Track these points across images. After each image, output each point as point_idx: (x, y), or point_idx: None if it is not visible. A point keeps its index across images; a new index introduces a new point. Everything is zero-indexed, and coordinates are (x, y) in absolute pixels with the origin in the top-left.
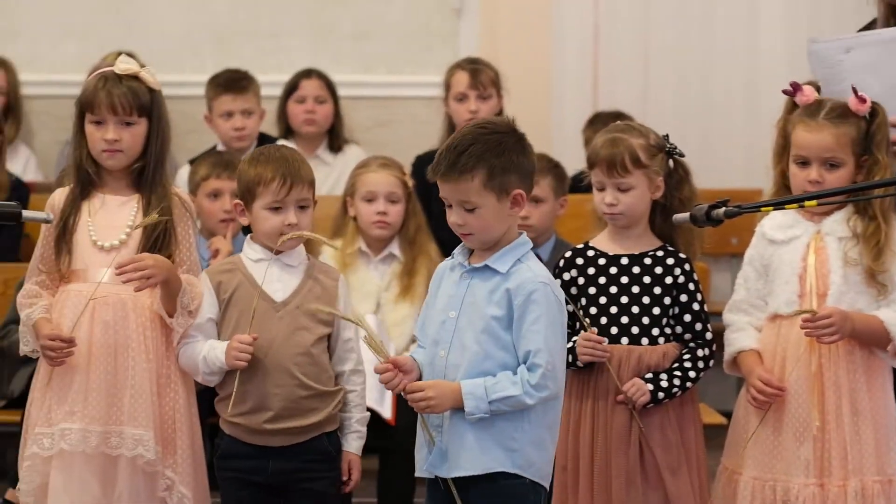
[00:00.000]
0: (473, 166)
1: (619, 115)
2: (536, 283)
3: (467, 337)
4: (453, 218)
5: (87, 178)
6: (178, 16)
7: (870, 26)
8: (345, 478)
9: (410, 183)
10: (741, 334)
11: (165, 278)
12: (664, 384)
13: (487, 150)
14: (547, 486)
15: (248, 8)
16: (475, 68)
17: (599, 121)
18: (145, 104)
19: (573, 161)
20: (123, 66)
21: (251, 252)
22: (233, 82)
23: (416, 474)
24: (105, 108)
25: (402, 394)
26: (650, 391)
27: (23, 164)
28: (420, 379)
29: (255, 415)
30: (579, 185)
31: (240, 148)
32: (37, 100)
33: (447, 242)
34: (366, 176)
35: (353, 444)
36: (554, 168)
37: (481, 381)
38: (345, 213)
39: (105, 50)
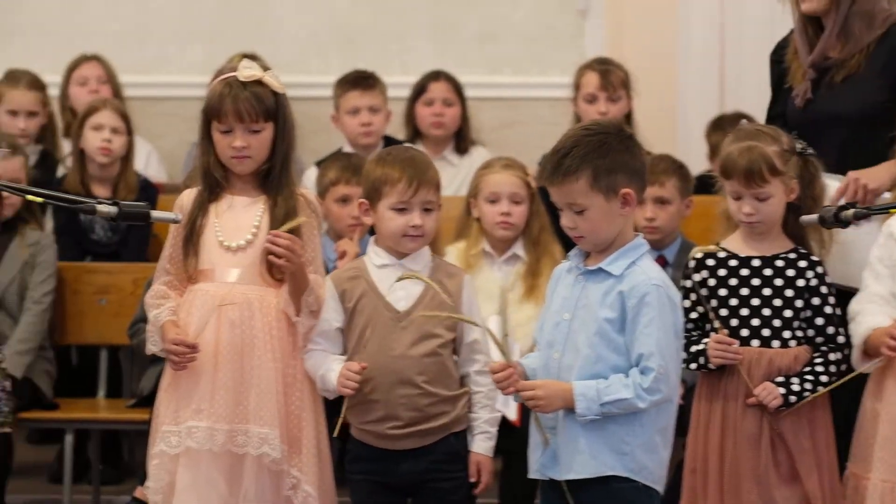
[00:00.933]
0: (577, 168)
1: (741, 116)
2: (650, 286)
3: (580, 339)
4: (564, 221)
5: (214, 181)
6: (304, 18)
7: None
8: (473, 479)
9: (534, 183)
10: (873, 317)
11: (297, 271)
12: (795, 388)
13: (591, 151)
14: (660, 489)
15: (374, 9)
16: (605, 69)
17: (723, 124)
18: (271, 109)
19: (699, 161)
20: (247, 72)
21: (375, 257)
22: (360, 79)
23: (529, 475)
24: (232, 117)
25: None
26: (781, 395)
27: (144, 161)
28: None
29: (382, 423)
30: (711, 189)
31: (366, 145)
32: (164, 101)
33: (572, 243)
34: (489, 177)
35: (482, 444)
36: (679, 169)
37: (593, 384)
38: (468, 214)
39: (231, 52)
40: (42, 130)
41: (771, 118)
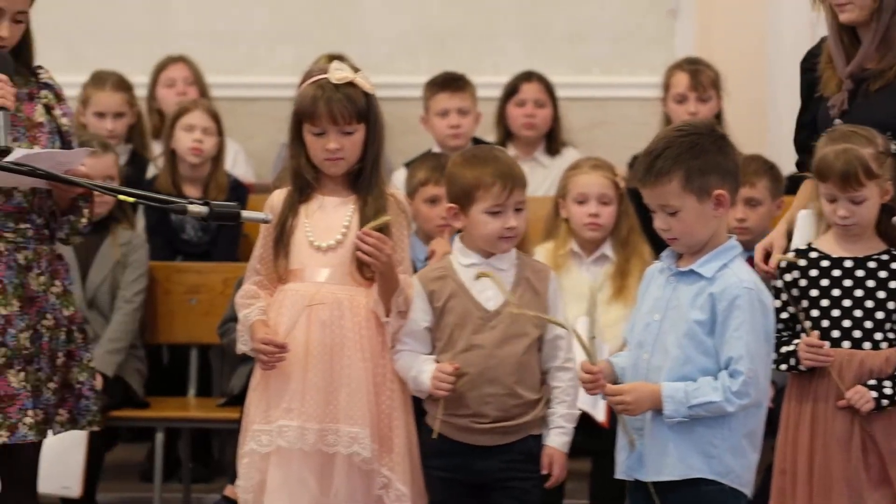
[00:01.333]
0: (669, 169)
1: None
2: (741, 289)
3: (669, 340)
4: (658, 223)
5: (304, 182)
6: (394, 19)
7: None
8: (545, 472)
9: (622, 184)
10: None
11: (386, 270)
12: (888, 391)
13: (683, 152)
14: (748, 493)
15: (463, 10)
16: (695, 69)
17: None
18: (362, 110)
19: (789, 162)
20: (339, 74)
21: (462, 257)
22: (450, 81)
23: (616, 476)
24: (325, 120)
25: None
26: (874, 398)
27: (232, 161)
28: (616, 384)
29: (469, 418)
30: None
31: (455, 147)
32: (254, 102)
33: (662, 244)
34: (577, 177)
35: (556, 438)
36: (770, 170)
37: (682, 386)
38: (556, 215)
39: (320, 53)
40: (130, 130)
41: (801, 126)
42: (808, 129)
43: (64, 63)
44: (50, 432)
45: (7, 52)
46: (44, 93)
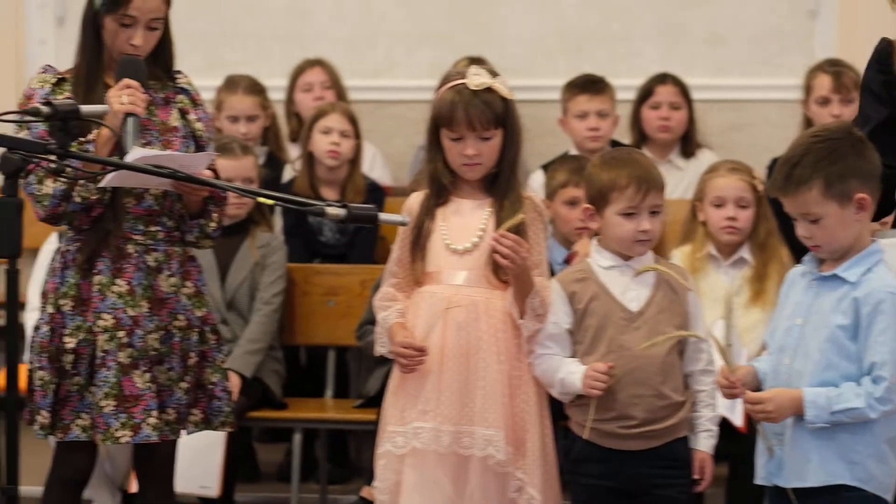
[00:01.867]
0: (809, 177)
1: None
2: (885, 293)
3: (811, 345)
4: (800, 231)
5: (441, 186)
6: (531, 21)
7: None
8: (696, 476)
9: (760, 187)
10: None
11: (521, 273)
12: None
13: (821, 159)
14: (890, 499)
15: (600, 12)
16: (838, 71)
17: None
18: (500, 116)
19: None
20: (477, 80)
21: (601, 259)
22: (589, 84)
23: (755, 481)
24: (463, 126)
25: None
26: None
27: (370, 163)
28: (757, 389)
29: (615, 421)
30: None
31: (593, 149)
32: (392, 105)
33: (800, 247)
34: (715, 181)
35: (705, 442)
36: None
37: (824, 391)
38: (693, 218)
39: (458, 55)
40: (265, 133)
41: (880, 125)
42: (885, 129)
43: (203, 67)
44: (183, 432)
45: (141, 59)
46: (180, 97)
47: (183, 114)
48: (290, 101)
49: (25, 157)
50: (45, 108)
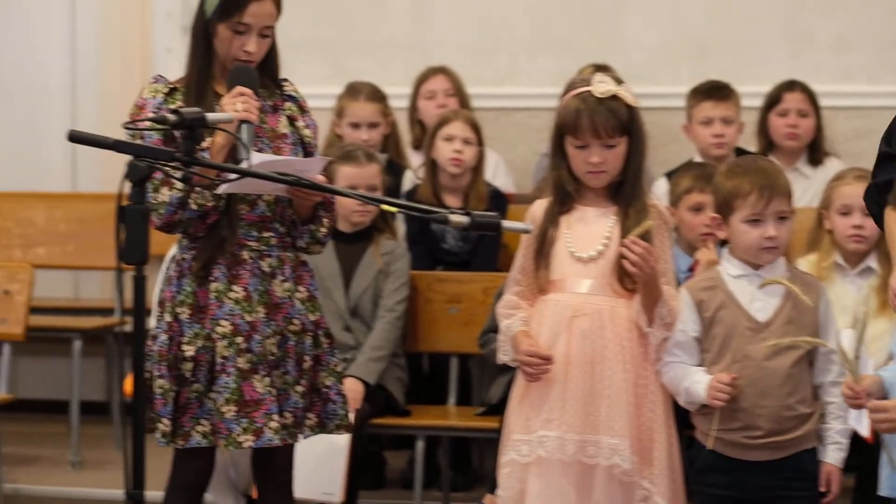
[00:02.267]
0: None
1: None
2: None
3: None
4: None
5: (565, 193)
6: (655, 28)
7: None
8: (822, 489)
9: None
10: None
11: (650, 280)
12: None
13: None
14: None
15: (725, 18)
16: None
17: None
18: (625, 123)
19: None
20: (603, 87)
21: (730, 268)
22: (714, 90)
23: (878, 492)
24: (588, 133)
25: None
26: None
27: (492, 171)
28: (884, 398)
29: (740, 431)
30: None
31: (718, 156)
32: (515, 112)
33: None
34: (841, 189)
35: (833, 455)
36: None
37: None
38: (820, 227)
39: (581, 63)
40: (385, 140)
41: None
42: None
43: (328, 75)
44: (300, 436)
45: (252, 67)
46: (288, 104)
47: (291, 121)
48: (413, 108)
49: (152, 164)
50: (171, 117)
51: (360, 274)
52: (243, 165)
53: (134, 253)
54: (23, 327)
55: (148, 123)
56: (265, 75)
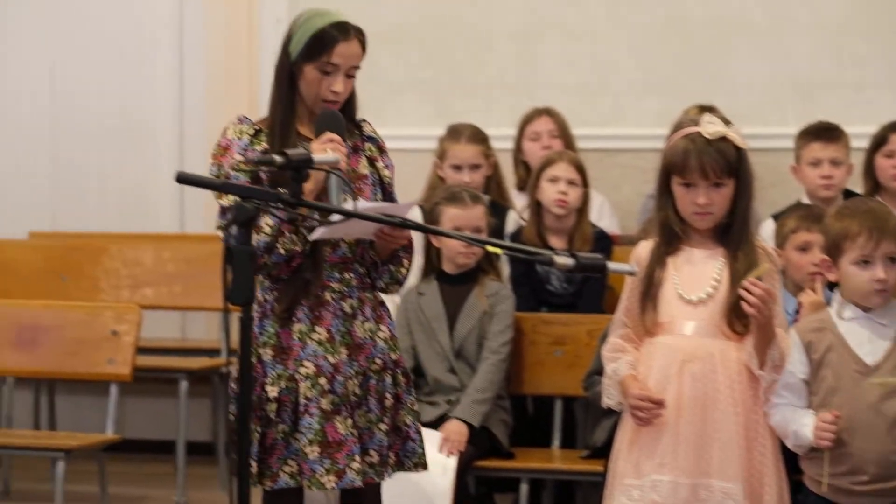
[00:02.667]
0: None
1: None
2: None
3: None
4: None
5: (672, 234)
6: (761, 68)
7: None
8: None
9: None
10: None
11: (765, 322)
12: None
13: None
14: None
15: (832, 58)
16: None
17: None
18: (733, 165)
19: None
20: (712, 128)
21: (840, 310)
22: (823, 131)
23: None
24: (696, 174)
25: None
26: None
27: (597, 212)
28: None
29: (847, 476)
30: None
31: (825, 198)
32: (620, 153)
33: None
34: None
35: None
36: None
37: None
38: None
39: (686, 103)
40: (487, 182)
41: None
42: None
43: (433, 116)
44: (385, 475)
45: (338, 112)
46: (367, 145)
47: (371, 161)
48: (517, 149)
49: (259, 206)
50: (278, 157)
51: (465, 315)
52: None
53: (240, 293)
54: (130, 368)
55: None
56: (345, 116)
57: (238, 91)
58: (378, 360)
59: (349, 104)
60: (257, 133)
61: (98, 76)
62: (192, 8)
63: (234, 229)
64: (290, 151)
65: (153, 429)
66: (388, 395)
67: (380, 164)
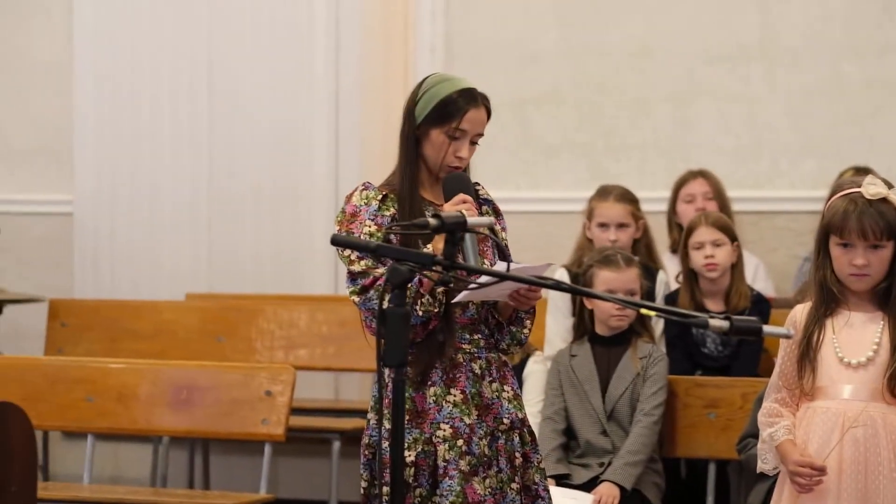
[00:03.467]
0: None
1: None
2: None
3: None
4: None
5: (830, 296)
6: None
7: None
8: None
9: None
10: None
11: None
12: None
13: None
14: None
15: None
16: None
17: None
18: (893, 227)
19: None
20: (873, 189)
21: None
22: None
23: None
24: (855, 234)
25: None
26: None
27: (752, 274)
28: None
29: None
30: None
31: None
32: (776, 215)
33: None
34: None
35: None
36: None
37: None
38: None
39: (843, 166)
40: (634, 243)
41: None
42: None
43: (587, 179)
44: None
45: (465, 173)
46: (484, 208)
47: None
48: (672, 211)
49: (413, 268)
50: (433, 220)
51: (618, 377)
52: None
53: (394, 355)
54: (284, 428)
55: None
56: None
57: (393, 154)
58: (505, 420)
59: (465, 169)
60: (384, 198)
61: (254, 143)
62: (346, 89)
63: (372, 293)
64: (443, 214)
65: (306, 489)
66: (517, 455)
67: (497, 227)
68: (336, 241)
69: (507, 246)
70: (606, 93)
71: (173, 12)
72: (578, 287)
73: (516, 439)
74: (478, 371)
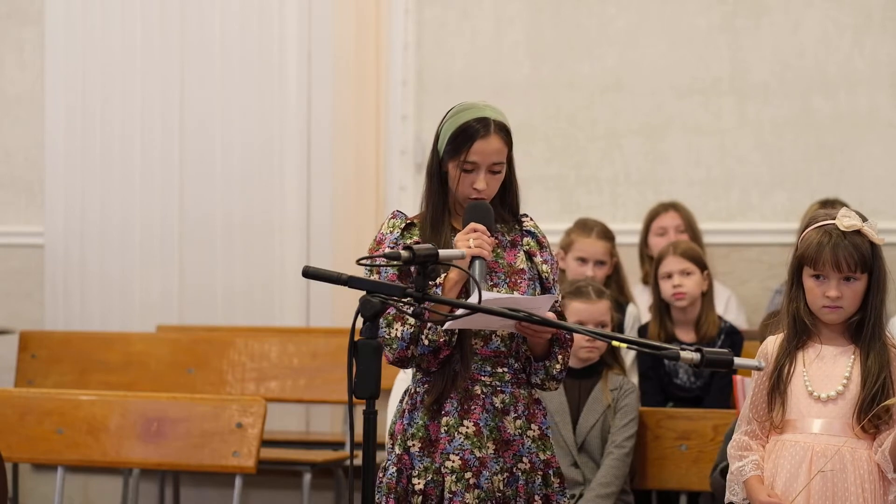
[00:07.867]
0: None
1: None
2: None
3: None
4: None
5: (802, 328)
6: (889, 163)
7: None
8: None
9: None
10: None
11: None
12: None
13: None
14: None
15: None
16: None
17: None
18: (867, 260)
19: None
20: (847, 221)
21: None
22: None
23: None
24: (829, 266)
25: None
26: None
27: (724, 306)
28: None
29: None
30: None
31: None
32: (746, 248)
33: None
34: None
35: None
36: None
37: None
38: None
39: (814, 198)
40: (607, 280)
41: None
42: None
43: (557, 211)
44: None
45: (488, 203)
46: (526, 240)
47: (529, 256)
48: (643, 244)
49: (385, 300)
50: (405, 253)
51: (589, 409)
52: (472, 301)
53: (365, 387)
54: (254, 460)
55: (382, 260)
56: (504, 210)
57: (365, 188)
58: (525, 460)
59: (510, 197)
60: (409, 226)
61: (225, 175)
62: (318, 121)
63: (381, 321)
64: (416, 246)
65: None
66: (536, 497)
67: (538, 259)
68: (307, 274)
69: (548, 279)
70: (578, 126)
71: (145, 45)
72: (548, 319)
73: (538, 481)
74: (499, 405)
